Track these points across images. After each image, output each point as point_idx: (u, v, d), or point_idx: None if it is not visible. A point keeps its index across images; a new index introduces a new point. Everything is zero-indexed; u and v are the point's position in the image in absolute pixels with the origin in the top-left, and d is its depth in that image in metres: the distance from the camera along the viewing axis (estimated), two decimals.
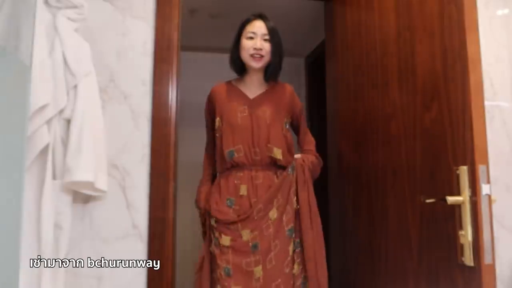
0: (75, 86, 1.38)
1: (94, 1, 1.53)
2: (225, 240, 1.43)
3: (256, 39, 1.52)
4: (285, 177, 1.48)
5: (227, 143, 1.49)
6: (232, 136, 1.49)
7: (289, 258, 1.42)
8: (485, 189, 0.96)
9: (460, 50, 1.03)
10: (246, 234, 1.42)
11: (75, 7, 1.44)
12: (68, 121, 1.36)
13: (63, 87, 1.35)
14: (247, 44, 1.52)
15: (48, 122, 1.32)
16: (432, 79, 1.15)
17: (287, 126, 1.58)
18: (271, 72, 1.57)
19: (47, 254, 1.28)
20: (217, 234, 1.45)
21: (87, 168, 1.31)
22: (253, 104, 1.55)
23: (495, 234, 0.97)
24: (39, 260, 1.28)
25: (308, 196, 1.49)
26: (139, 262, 1.46)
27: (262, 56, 1.52)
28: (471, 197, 0.97)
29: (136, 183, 1.50)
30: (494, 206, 0.97)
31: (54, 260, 1.32)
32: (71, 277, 1.40)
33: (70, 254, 1.41)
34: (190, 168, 2.82)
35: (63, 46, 1.37)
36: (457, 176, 1.01)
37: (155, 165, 1.51)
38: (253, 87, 1.60)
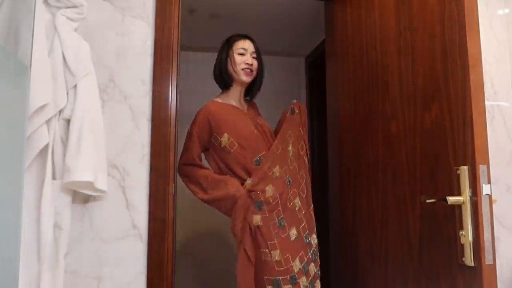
0: (75, 86, 1.37)
1: (93, 1, 1.53)
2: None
3: (247, 55, 1.64)
4: (289, 118, 1.65)
5: (251, 154, 1.54)
6: (253, 146, 1.55)
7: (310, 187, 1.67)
8: (485, 189, 0.96)
9: (460, 49, 1.03)
10: (277, 170, 1.54)
11: (74, 6, 1.44)
12: (68, 121, 1.36)
13: (63, 87, 1.35)
14: (239, 59, 1.63)
15: (48, 122, 1.32)
16: (432, 79, 1.15)
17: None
18: (256, 89, 1.72)
19: (46, 254, 1.28)
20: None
21: (87, 168, 1.31)
22: (249, 115, 1.67)
23: (496, 234, 0.97)
24: (38, 260, 1.28)
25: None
26: (139, 262, 1.46)
27: (252, 71, 1.65)
28: (471, 197, 0.97)
29: (136, 183, 1.49)
30: (494, 206, 0.97)
31: (53, 260, 1.32)
32: (70, 277, 1.40)
33: (69, 254, 1.41)
34: None
35: (62, 45, 1.37)
36: (458, 176, 1.01)
37: (155, 165, 1.50)
38: (240, 102, 1.71)
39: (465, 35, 1.01)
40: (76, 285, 1.41)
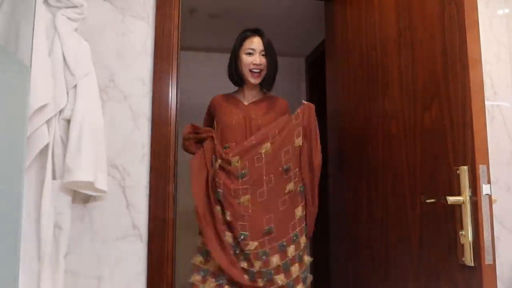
0: (75, 86, 1.38)
1: (93, 1, 1.53)
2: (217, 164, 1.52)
3: (255, 55, 1.63)
4: (285, 118, 1.59)
5: (221, 142, 1.58)
6: (226, 135, 1.59)
7: (285, 197, 1.50)
8: (485, 189, 0.96)
9: (460, 50, 1.03)
10: (234, 161, 1.49)
11: (74, 6, 1.45)
12: (68, 121, 1.36)
13: (63, 87, 1.35)
14: (247, 60, 1.63)
15: (48, 122, 1.32)
16: (432, 79, 1.15)
17: None
18: (266, 82, 1.68)
19: (46, 254, 1.28)
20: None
21: (87, 168, 1.31)
22: (247, 108, 1.66)
23: (496, 234, 0.97)
24: (38, 260, 1.28)
25: (311, 142, 1.58)
26: (139, 262, 1.46)
27: (260, 71, 1.64)
28: (471, 197, 0.97)
29: (136, 183, 1.49)
30: (494, 206, 0.97)
31: (53, 260, 1.32)
32: (70, 277, 1.40)
33: (70, 254, 1.40)
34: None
35: (62, 45, 1.37)
36: (458, 176, 1.01)
37: (155, 165, 1.50)
38: (250, 96, 1.71)
39: (465, 35, 1.01)
40: (76, 285, 1.41)
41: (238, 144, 1.54)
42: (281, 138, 1.53)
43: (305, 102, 1.65)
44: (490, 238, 0.94)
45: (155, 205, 1.49)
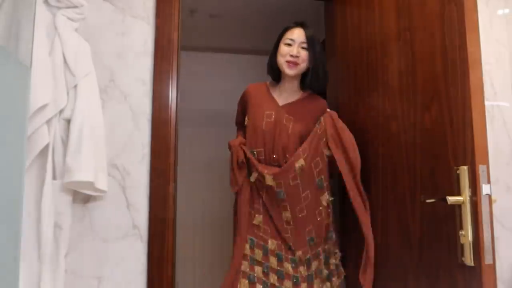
0: (75, 86, 1.37)
1: (94, 1, 1.53)
2: (253, 176, 1.53)
3: (293, 46, 1.55)
4: (313, 131, 1.53)
5: (250, 144, 1.57)
6: (255, 139, 1.56)
7: (320, 208, 1.50)
8: (485, 189, 0.96)
9: (460, 50, 1.03)
10: (269, 179, 1.48)
11: (75, 6, 1.45)
12: (68, 121, 1.36)
13: (63, 87, 1.35)
14: (284, 50, 1.55)
15: (48, 122, 1.32)
16: (432, 79, 1.15)
17: None
18: (308, 81, 1.59)
19: (47, 254, 1.28)
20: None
21: (87, 168, 1.31)
22: (280, 111, 1.58)
23: (496, 234, 0.97)
24: (39, 260, 1.28)
25: (344, 151, 1.48)
26: (139, 262, 1.46)
27: (297, 64, 1.54)
28: (471, 197, 0.97)
29: (136, 183, 1.50)
30: (494, 206, 0.97)
31: (54, 260, 1.32)
32: (71, 277, 1.40)
33: (70, 254, 1.41)
34: (190, 168, 2.82)
35: (63, 46, 1.37)
36: (457, 176, 1.01)
37: (155, 165, 1.50)
38: (285, 93, 1.63)
39: (465, 35, 1.01)
40: (76, 285, 1.41)
41: (271, 167, 1.51)
42: (312, 151, 1.50)
43: (328, 110, 1.59)
44: (490, 238, 0.94)
45: (155, 205, 1.49)
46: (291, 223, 1.48)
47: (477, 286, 0.94)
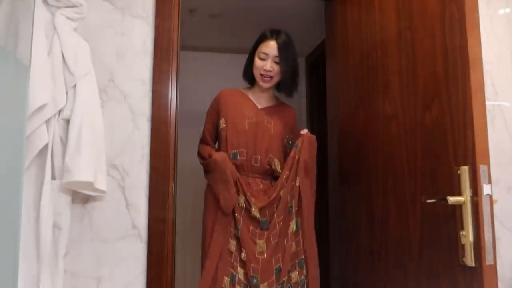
0: (74, 86, 1.37)
1: (93, 0, 1.53)
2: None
3: (267, 61, 1.60)
4: (292, 156, 1.56)
5: (232, 145, 1.57)
6: (237, 140, 1.58)
7: (289, 235, 1.52)
8: (486, 189, 0.95)
9: (461, 49, 1.03)
10: (255, 211, 1.49)
11: (74, 6, 1.44)
12: (67, 121, 1.36)
13: (62, 86, 1.35)
14: (258, 64, 1.61)
15: (47, 122, 1.32)
16: (433, 79, 1.14)
17: (290, 143, 1.66)
18: (283, 89, 1.68)
19: (46, 254, 1.28)
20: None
21: (86, 168, 1.31)
22: (261, 113, 1.64)
23: (497, 235, 0.97)
24: (38, 260, 1.28)
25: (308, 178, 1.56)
26: (139, 262, 1.46)
27: (271, 77, 1.61)
28: (472, 197, 0.96)
29: (136, 183, 1.49)
30: (495, 206, 0.96)
31: (53, 261, 1.32)
32: (70, 277, 1.40)
33: (69, 254, 1.40)
34: (190, 168, 2.82)
35: (62, 45, 1.37)
36: (458, 176, 1.00)
37: (155, 165, 1.50)
38: (261, 99, 1.70)
39: (466, 35, 1.01)
40: (75, 286, 1.41)
41: (258, 195, 1.52)
42: (291, 176, 1.54)
43: (304, 132, 1.62)
44: (491, 238, 0.93)
45: (155, 205, 1.48)
46: (264, 253, 1.47)
47: (478, 286, 0.94)
